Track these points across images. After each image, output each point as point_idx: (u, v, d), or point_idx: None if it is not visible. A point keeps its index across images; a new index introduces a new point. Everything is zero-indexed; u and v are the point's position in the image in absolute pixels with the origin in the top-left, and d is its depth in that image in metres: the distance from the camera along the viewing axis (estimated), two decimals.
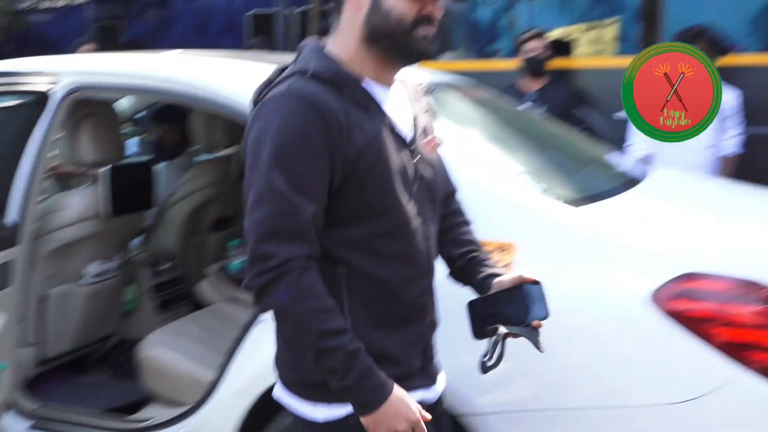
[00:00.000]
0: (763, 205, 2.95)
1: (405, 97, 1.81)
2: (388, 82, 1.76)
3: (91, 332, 3.47)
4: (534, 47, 4.94)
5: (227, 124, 3.65)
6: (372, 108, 1.69)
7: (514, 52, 5.29)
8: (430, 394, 1.83)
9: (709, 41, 4.29)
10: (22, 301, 2.93)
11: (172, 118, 4.18)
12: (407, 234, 1.71)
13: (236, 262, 3.63)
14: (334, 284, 1.66)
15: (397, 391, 1.62)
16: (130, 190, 3.35)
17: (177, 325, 3.27)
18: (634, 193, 2.62)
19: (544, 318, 1.71)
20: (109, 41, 6.32)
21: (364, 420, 1.62)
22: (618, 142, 4.39)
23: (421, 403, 1.70)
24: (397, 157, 1.68)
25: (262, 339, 2.24)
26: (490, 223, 2.22)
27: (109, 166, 3.23)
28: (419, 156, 1.75)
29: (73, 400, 3.19)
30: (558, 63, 5.18)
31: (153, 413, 2.94)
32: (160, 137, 4.29)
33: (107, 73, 2.88)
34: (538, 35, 5.03)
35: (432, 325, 1.84)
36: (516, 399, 2.19)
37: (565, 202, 2.35)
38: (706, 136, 4.28)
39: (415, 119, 1.78)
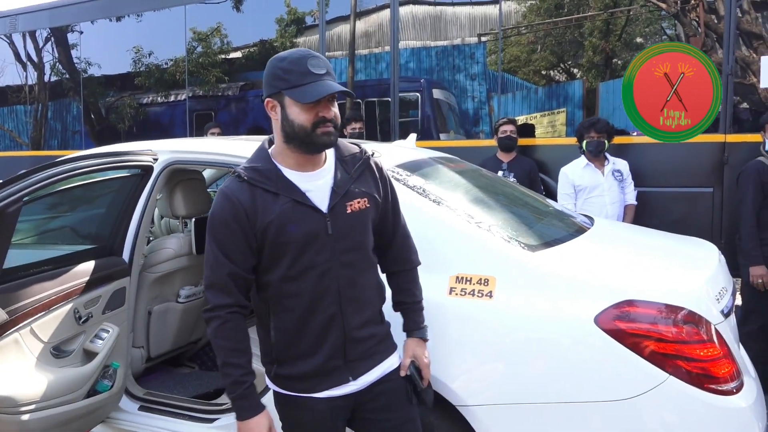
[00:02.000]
0: (673, 244, 2.82)
1: (332, 173, 1.77)
2: (308, 168, 1.75)
3: (184, 337, 3.39)
4: (506, 129, 4.88)
5: None
6: (281, 192, 1.71)
7: (491, 133, 5.22)
8: (350, 387, 1.81)
9: (604, 126, 4.34)
10: (132, 316, 2.87)
11: None
12: (312, 277, 1.72)
13: None
14: (264, 310, 1.79)
15: (260, 417, 1.75)
16: None
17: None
18: (582, 239, 2.51)
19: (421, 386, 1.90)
20: (203, 125, 6.34)
21: (237, 423, 1.77)
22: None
23: (339, 396, 1.79)
24: (305, 225, 1.70)
25: None
26: (473, 262, 2.17)
27: (195, 218, 3.18)
28: (335, 219, 1.73)
29: (170, 387, 3.14)
30: (524, 141, 5.10)
31: (228, 399, 2.85)
32: None
33: (191, 152, 2.85)
34: (510, 121, 4.97)
35: (351, 338, 1.79)
36: (497, 395, 2.07)
37: (528, 247, 2.24)
38: (612, 194, 4.22)
39: (333, 191, 1.74)
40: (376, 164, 1.87)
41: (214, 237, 1.72)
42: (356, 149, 1.86)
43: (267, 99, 1.72)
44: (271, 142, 1.81)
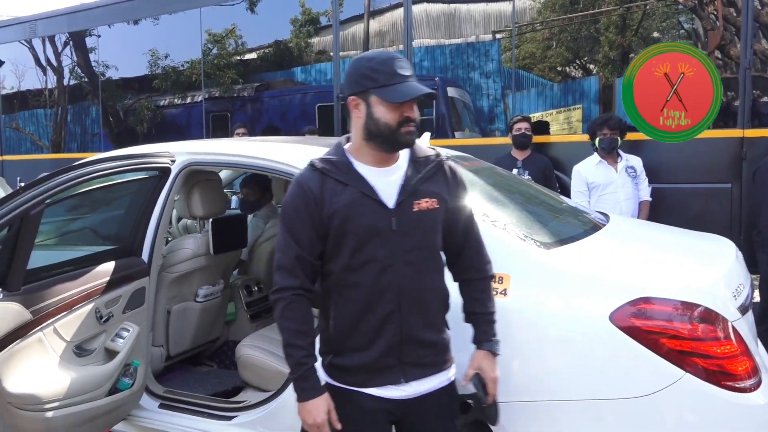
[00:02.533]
0: (689, 241, 2.81)
1: (404, 171, 1.80)
2: (382, 164, 1.80)
3: (202, 336, 3.44)
4: (521, 127, 4.87)
5: None
6: (351, 183, 1.76)
7: (506, 131, 5.21)
8: (399, 392, 1.81)
9: (617, 123, 4.31)
10: (151, 315, 2.92)
11: (252, 183, 4.23)
12: (373, 270, 1.75)
13: None
14: (326, 298, 1.84)
15: (319, 399, 1.76)
16: (229, 235, 3.34)
17: (264, 332, 3.22)
18: (597, 237, 2.50)
19: (485, 401, 1.86)
20: (220, 127, 6.41)
21: (298, 404, 1.79)
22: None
23: (388, 399, 1.79)
24: (369, 217, 1.74)
25: None
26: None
27: (212, 219, 3.23)
28: (401, 215, 1.75)
29: (189, 386, 3.18)
30: (539, 138, 5.08)
31: (247, 397, 2.91)
32: (245, 196, 4.35)
33: (208, 153, 2.89)
34: (525, 118, 4.96)
35: (408, 339, 1.78)
36: (513, 392, 2.06)
37: (543, 244, 2.24)
38: (625, 191, 4.19)
39: (402, 188, 1.77)
40: (451, 168, 1.89)
41: (284, 221, 1.79)
42: (431, 152, 1.88)
43: (351, 97, 1.77)
44: (348, 140, 1.86)
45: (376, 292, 1.75)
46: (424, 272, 1.79)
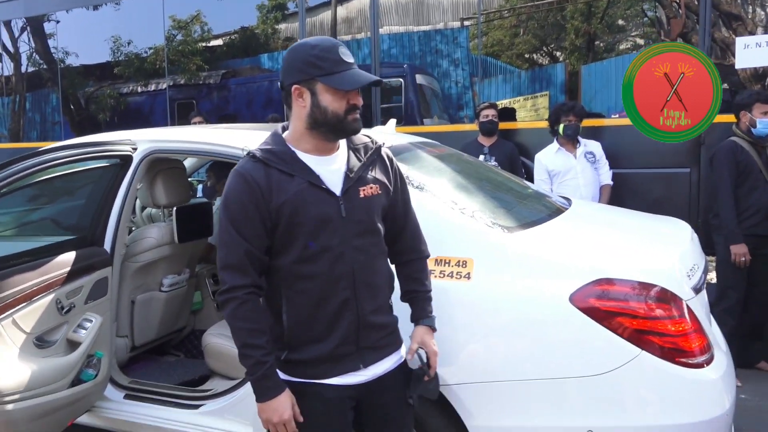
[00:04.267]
0: (647, 223, 2.89)
1: (345, 159, 1.80)
2: (323, 153, 1.78)
3: (168, 326, 3.42)
4: (488, 114, 4.92)
5: None
6: (297, 173, 1.73)
7: (473, 117, 5.26)
8: (359, 377, 1.82)
9: (581, 110, 4.45)
10: (115, 306, 2.89)
11: (217, 170, 4.20)
12: (327, 259, 1.74)
13: None
14: (275, 294, 1.79)
15: (283, 396, 1.73)
16: (194, 223, 3.31)
17: None
18: (559, 220, 2.56)
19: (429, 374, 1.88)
20: (185, 115, 6.32)
21: (257, 405, 1.74)
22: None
23: (349, 385, 1.79)
24: (319, 206, 1.73)
25: None
26: (452, 245, 2.22)
27: (176, 207, 3.20)
28: (348, 202, 1.76)
29: (155, 376, 3.16)
30: (505, 125, 5.14)
31: (214, 385, 2.90)
32: (211, 183, 4.33)
33: (171, 140, 2.86)
34: (491, 105, 5.01)
35: (364, 324, 1.79)
36: (477, 373, 2.13)
37: (507, 228, 2.29)
38: (585, 176, 4.30)
39: (346, 175, 1.78)
40: (387, 155, 1.91)
41: (229, 216, 1.72)
42: (367, 139, 1.89)
43: (295, 85, 1.73)
44: (284, 129, 1.84)
45: (331, 281, 1.74)
46: (373, 257, 1.81)
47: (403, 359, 1.91)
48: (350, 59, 1.73)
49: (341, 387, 1.79)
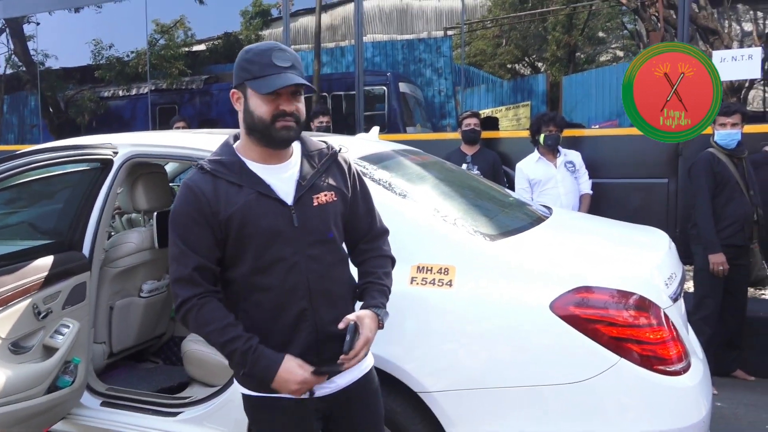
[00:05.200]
0: (625, 232, 2.93)
1: (298, 167, 1.75)
2: (272, 161, 1.74)
3: (147, 332, 3.38)
4: (470, 122, 4.96)
5: None
6: (245, 183, 1.69)
7: (456, 126, 5.30)
8: (323, 389, 1.76)
9: (562, 121, 4.55)
10: (93, 311, 2.85)
11: None
12: (281, 270, 1.69)
13: None
14: (231, 307, 1.72)
15: (285, 363, 1.66)
16: None
17: None
18: (539, 229, 2.59)
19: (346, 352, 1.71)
20: (167, 119, 6.28)
21: (273, 386, 1.68)
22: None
23: (315, 398, 1.74)
24: (269, 216, 1.68)
25: None
26: (434, 252, 2.22)
27: (157, 212, 3.18)
28: (301, 211, 1.71)
29: (133, 383, 3.11)
30: (488, 134, 5.19)
31: (193, 392, 2.87)
32: None
33: (152, 145, 2.84)
34: (474, 114, 5.05)
35: (324, 335, 1.72)
36: (458, 380, 2.13)
37: (488, 236, 2.31)
38: (565, 185, 4.36)
39: (298, 184, 1.73)
40: (345, 160, 1.86)
41: (177, 230, 1.69)
42: (323, 145, 1.84)
43: (233, 90, 1.73)
44: (236, 138, 1.80)
45: (286, 292, 1.69)
46: (329, 265, 1.74)
47: (372, 367, 1.87)
48: (284, 63, 1.66)
49: (305, 400, 1.74)
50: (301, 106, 1.71)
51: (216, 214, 1.67)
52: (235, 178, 1.70)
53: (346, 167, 1.85)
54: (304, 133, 1.83)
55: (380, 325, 1.77)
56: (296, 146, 1.80)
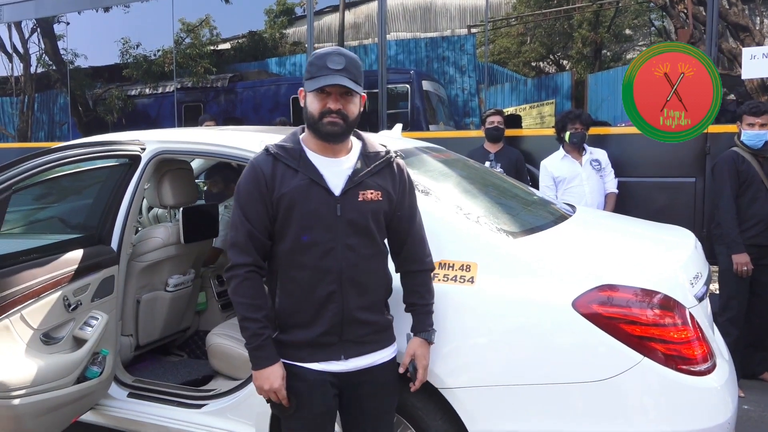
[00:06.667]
0: (650, 231, 2.90)
1: (353, 163, 1.93)
2: (329, 154, 1.92)
3: (173, 326, 3.45)
4: (494, 120, 4.94)
5: None
6: (301, 169, 1.89)
7: (479, 124, 5.28)
8: (341, 366, 1.94)
9: (587, 118, 4.51)
10: (120, 304, 2.91)
11: (215, 175, 4.27)
12: (316, 253, 1.87)
13: None
14: (272, 278, 1.96)
15: (275, 366, 1.89)
16: (200, 224, 3.35)
17: (235, 321, 3.21)
18: (563, 226, 2.58)
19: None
20: (192, 117, 6.37)
21: (252, 373, 1.92)
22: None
23: (330, 372, 1.92)
24: (315, 202, 1.86)
25: None
26: (456, 249, 2.24)
27: (183, 208, 3.23)
28: (346, 203, 1.87)
29: (159, 375, 3.19)
30: (511, 132, 5.17)
31: (217, 385, 2.93)
32: (208, 188, 4.38)
33: (179, 141, 2.90)
34: (498, 112, 5.04)
35: (348, 319, 1.91)
36: (479, 378, 2.14)
37: (511, 234, 2.31)
38: (590, 183, 4.32)
39: (349, 178, 1.90)
40: (398, 165, 2.01)
41: (238, 200, 1.91)
42: (382, 148, 2.01)
43: (300, 89, 1.94)
44: (303, 130, 1.99)
45: (319, 273, 1.88)
46: (365, 257, 1.91)
47: (390, 358, 2.02)
48: (336, 66, 1.83)
49: (322, 372, 1.92)
50: (352, 106, 1.88)
51: (271, 192, 1.87)
52: (293, 163, 1.89)
53: (398, 172, 2.00)
54: (368, 135, 2.03)
55: (430, 344, 2.05)
56: (357, 144, 1.98)
